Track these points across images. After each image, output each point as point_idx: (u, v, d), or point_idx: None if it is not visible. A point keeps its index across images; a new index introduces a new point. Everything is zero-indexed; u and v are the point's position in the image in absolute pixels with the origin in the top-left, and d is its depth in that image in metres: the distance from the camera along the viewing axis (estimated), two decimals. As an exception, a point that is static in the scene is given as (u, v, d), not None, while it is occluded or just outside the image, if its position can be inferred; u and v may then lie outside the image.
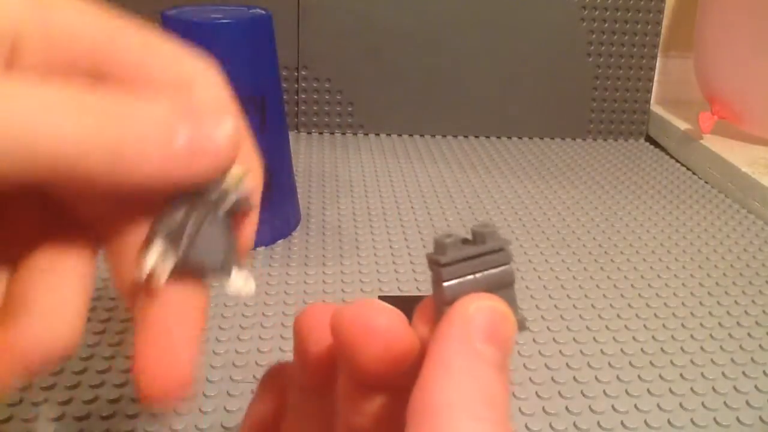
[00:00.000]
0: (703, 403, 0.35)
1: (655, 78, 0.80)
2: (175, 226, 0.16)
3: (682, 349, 0.39)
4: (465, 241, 0.16)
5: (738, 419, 0.34)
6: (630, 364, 0.38)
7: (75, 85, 0.14)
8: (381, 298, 0.40)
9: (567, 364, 0.37)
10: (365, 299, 0.16)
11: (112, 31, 0.16)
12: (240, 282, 0.17)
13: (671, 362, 0.38)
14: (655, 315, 0.42)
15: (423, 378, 0.14)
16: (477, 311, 0.15)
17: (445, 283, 0.16)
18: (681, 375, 0.37)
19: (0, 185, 0.13)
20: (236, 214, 0.17)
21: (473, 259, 0.16)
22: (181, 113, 0.15)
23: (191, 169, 0.15)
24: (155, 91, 0.16)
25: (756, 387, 0.36)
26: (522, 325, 0.16)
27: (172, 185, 0.15)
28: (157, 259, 0.16)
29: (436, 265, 0.16)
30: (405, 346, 0.16)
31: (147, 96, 0.15)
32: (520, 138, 0.78)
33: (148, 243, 0.16)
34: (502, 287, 0.16)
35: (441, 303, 0.16)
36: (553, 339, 0.39)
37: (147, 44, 0.16)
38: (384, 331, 0.16)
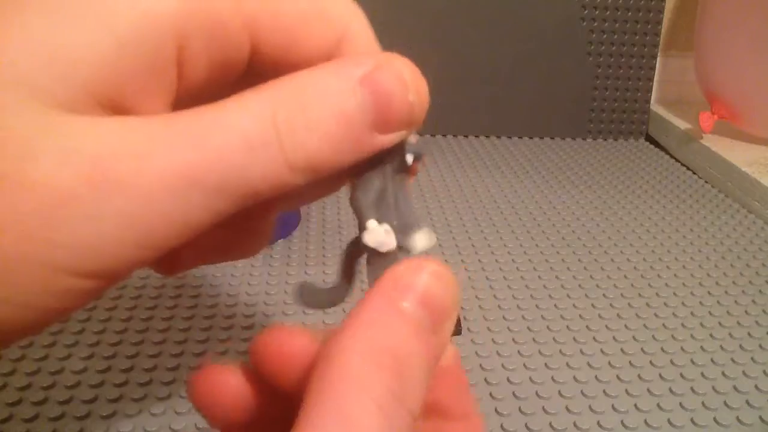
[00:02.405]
0: (703, 403, 0.35)
1: (655, 78, 0.80)
2: (377, 197, 0.16)
3: (682, 349, 0.39)
4: None
5: (738, 419, 0.34)
6: (630, 364, 0.38)
7: (263, 100, 0.13)
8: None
9: (567, 364, 0.37)
10: (277, 327, 0.16)
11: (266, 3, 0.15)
12: (427, 238, 0.16)
13: (671, 362, 0.38)
14: (655, 315, 0.42)
15: (336, 331, 0.13)
16: (409, 270, 0.14)
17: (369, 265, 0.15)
18: (681, 375, 0.37)
19: (210, 220, 0.13)
20: (409, 167, 0.17)
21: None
22: (361, 91, 0.14)
23: (384, 139, 0.15)
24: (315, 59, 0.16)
25: (756, 387, 0.36)
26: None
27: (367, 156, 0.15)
28: (383, 236, 0.15)
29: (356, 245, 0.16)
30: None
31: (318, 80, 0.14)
32: (520, 138, 0.78)
33: (361, 223, 0.16)
34: None
35: None
36: (553, 339, 0.39)
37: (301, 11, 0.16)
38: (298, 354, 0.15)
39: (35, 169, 0.11)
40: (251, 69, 0.16)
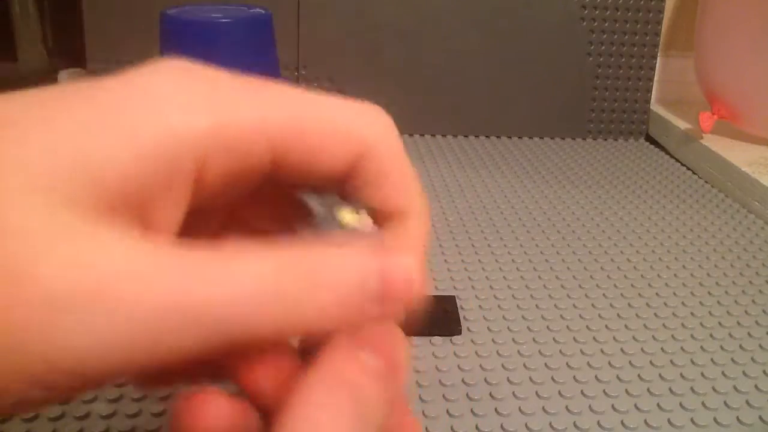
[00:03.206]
0: (703, 403, 0.35)
1: (655, 78, 0.80)
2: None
3: (682, 349, 0.39)
4: None
5: (738, 419, 0.34)
6: (630, 364, 0.38)
7: (274, 257, 0.14)
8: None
9: (567, 364, 0.37)
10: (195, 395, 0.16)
11: (296, 120, 0.16)
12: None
13: (671, 362, 0.38)
14: (655, 315, 0.42)
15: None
16: (368, 327, 0.15)
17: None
18: (681, 375, 0.37)
19: (172, 358, 0.13)
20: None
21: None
22: (371, 279, 0.15)
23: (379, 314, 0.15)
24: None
25: (756, 387, 0.36)
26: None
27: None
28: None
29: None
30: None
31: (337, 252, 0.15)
32: (520, 138, 0.78)
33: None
34: None
35: None
36: (553, 339, 0.39)
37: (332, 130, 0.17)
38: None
39: (44, 268, 0.12)
40: (272, 179, 0.17)
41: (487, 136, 0.78)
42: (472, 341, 0.39)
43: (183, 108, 0.14)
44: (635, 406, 0.34)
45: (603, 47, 0.77)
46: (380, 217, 0.18)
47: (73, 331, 0.12)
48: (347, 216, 0.17)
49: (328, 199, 0.17)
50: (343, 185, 0.18)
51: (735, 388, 0.36)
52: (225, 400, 0.15)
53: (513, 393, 0.34)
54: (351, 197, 0.18)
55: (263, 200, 0.19)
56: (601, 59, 0.77)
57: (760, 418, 0.34)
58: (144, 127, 0.14)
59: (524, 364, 0.37)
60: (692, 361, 0.38)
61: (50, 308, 0.12)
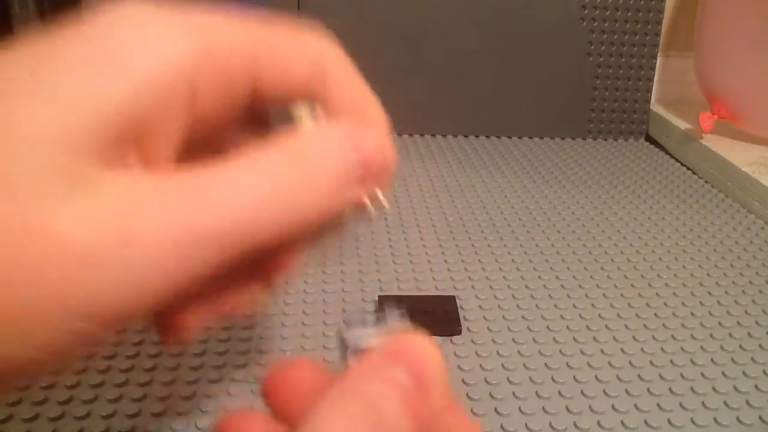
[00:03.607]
0: (703, 403, 0.35)
1: (655, 78, 0.80)
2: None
3: (682, 349, 0.39)
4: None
5: (738, 419, 0.34)
6: (630, 364, 0.38)
7: (265, 163, 0.15)
8: (381, 298, 0.40)
9: (567, 364, 0.37)
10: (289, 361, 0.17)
11: (269, 41, 0.17)
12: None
13: (671, 362, 0.38)
14: (655, 315, 0.42)
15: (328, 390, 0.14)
16: (396, 339, 0.15)
17: (349, 354, 0.16)
18: (681, 375, 0.37)
19: (216, 267, 0.14)
20: None
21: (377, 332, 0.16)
22: (350, 158, 0.16)
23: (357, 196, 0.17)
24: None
25: (756, 387, 0.36)
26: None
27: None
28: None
29: (342, 343, 0.16)
30: None
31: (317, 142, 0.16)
32: (520, 138, 0.78)
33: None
34: None
35: None
36: (553, 339, 0.39)
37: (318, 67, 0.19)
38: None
39: (60, 223, 0.12)
40: (251, 101, 0.18)
41: (487, 136, 0.78)
42: (472, 341, 0.39)
43: (166, 35, 0.15)
44: (635, 406, 0.34)
45: (603, 47, 0.77)
46: (346, 115, 0.20)
47: (95, 276, 0.13)
48: (302, 110, 0.19)
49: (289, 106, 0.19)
50: (308, 96, 0.19)
51: (735, 388, 0.36)
52: (260, 420, 0.16)
53: (513, 393, 0.34)
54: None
55: (241, 122, 0.20)
56: (601, 59, 0.77)
57: (760, 418, 0.34)
58: (133, 60, 0.14)
59: (524, 364, 0.37)
60: (692, 361, 0.38)
61: (78, 264, 0.12)
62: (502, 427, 0.32)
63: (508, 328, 0.40)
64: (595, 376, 0.36)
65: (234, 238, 0.14)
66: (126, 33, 0.14)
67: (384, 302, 0.17)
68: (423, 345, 0.15)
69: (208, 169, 0.14)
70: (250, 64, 0.17)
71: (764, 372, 0.37)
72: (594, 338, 0.40)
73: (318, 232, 0.18)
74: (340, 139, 0.16)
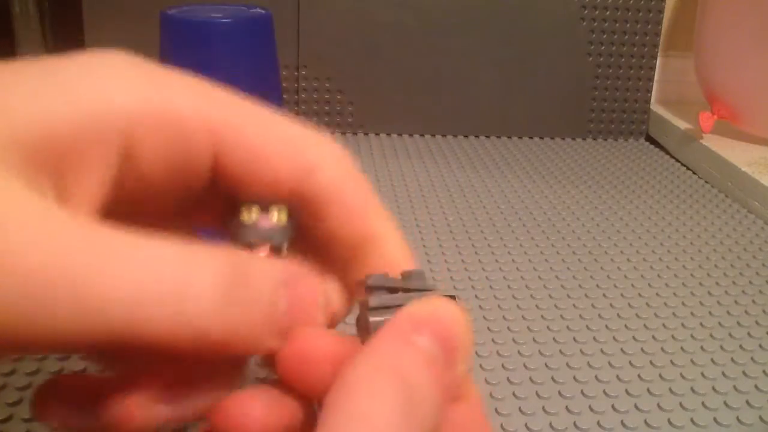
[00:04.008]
0: (703, 403, 0.35)
1: (655, 78, 0.80)
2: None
3: (682, 349, 0.39)
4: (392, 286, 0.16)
5: (738, 419, 0.34)
6: (630, 364, 0.38)
7: (224, 257, 0.14)
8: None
9: (567, 364, 0.37)
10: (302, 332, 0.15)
11: (233, 113, 0.16)
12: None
13: (671, 362, 0.38)
14: (655, 315, 0.42)
15: (348, 362, 0.13)
16: (421, 304, 0.14)
17: (371, 319, 0.15)
18: (681, 375, 0.37)
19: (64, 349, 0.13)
20: None
21: (400, 296, 0.15)
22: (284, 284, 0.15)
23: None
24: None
25: (756, 387, 0.36)
26: None
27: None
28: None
29: (364, 308, 0.15)
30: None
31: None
32: (520, 138, 0.78)
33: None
34: None
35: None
36: (553, 339, 0.39)
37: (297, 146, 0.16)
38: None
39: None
40: (215, 183, 0.16)
41: (487, 136, 0.78)
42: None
43: (121, 81, 0.14)
44: (635, 406, 0.34)
45: (603, 47, 0.77)
46: (346, 248, 0.17)
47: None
48: (252, 213, 0.16)
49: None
50: (295, 208, 0.17)
51: (735, 388, 0.36)
52: (261, 403, 0.15)
53: (513, 393, 0.34)
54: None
55: (209, 211, 0.18)
56: (601, 59, 0.77)
57: (760, 418, 0.34)
58: (74, 92, 0.14)
59: (524, 364, 0.37)
60: (692, 361, 0.38)
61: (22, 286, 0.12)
62: (502, 427, 0.32)
63: (508, 328, 0.40)
64: (595, 376, 0.36)
65: (127, 321, 0.13)
66: (85, 71, 0.14)
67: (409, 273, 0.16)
68: (451, 310, 0.14)
69: (121, 234, 0.13)
70: (210, 137, 0.15)
71: (764, 372, 0.37)
72: (594, 338, 0.40)
73: (219, 364, 0.16)
74: (279, 280, 0.15)
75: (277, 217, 0.16)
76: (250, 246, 0.16)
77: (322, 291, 0.16)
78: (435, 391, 0.13)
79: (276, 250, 0.16)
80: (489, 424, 0.16)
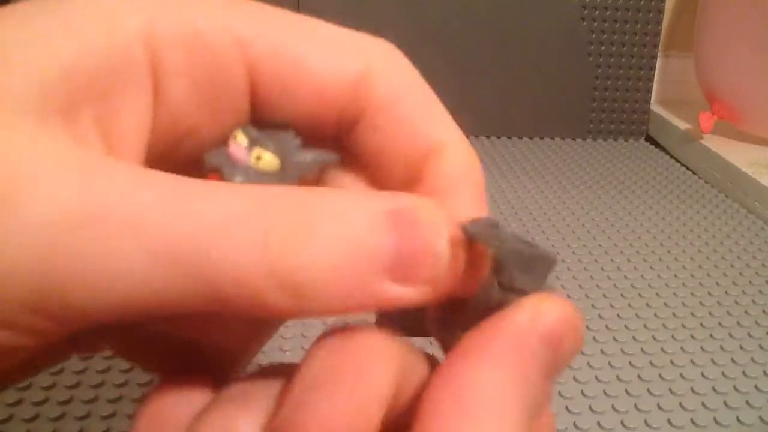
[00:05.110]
0: (703, 403, 0.35)
1: (655, 78, 0.80)
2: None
3: (682, 349, 0.39)
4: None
5: (738, 419, 0.34)
6: (630, 364, 0.38)
7: (261, 192, 0.11)
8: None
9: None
10: None
11: (259, 21, 0.13)
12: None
13: (671, 362, 0.38)
14: (655, 315, 0.42)
15: (456, 354, 0.12)
16: (549, 308, 0.12)
17: (498, 297, 0.13)
18: (681, 375, 0.37)
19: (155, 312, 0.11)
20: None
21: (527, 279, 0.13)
22: (383, 224, 0.11)
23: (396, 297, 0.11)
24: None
25: (756, 387, 0.36)
26: None
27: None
28: None
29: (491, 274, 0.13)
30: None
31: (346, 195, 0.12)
32: (520, 138, 0.78)
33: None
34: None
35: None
36: (553, 339, 0.39)
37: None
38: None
39: (32, 195, 0.10)
40: (256, 116, 0.14)
41: (487, 136, 0.78)
42: (472, 341, 0.38)
43: (128, 7, 0.12)
44: (635, 406, 0.34)
45: (603, 47, 0.77)
46: (405, 165, 0.14)
47: (53, 262, 0.10)
48: (264, 154, 0.13)
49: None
50: (343, 131, 0.14)
51: (735, 388, 0.36)
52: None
53: (513, 393, 0.34)
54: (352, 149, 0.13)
55: None
56: (601, 59, 0.77)
57: (760, 418, 0.34)
58: (89, 25, 0.12)
59: (524, 364, 0.37)
60: (692, 361, 0.38)
61: (42, 240, 0.10)
62: (502, 427, 0.32)
63: (508, 328, 0.40)
64: (595, 376, 0.36)
65: (197, 264, 0.10)
66: (84, 4, 0.12)
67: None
68: (565, 311, 0.12)
69: (182, 178, 0.11)
70: (243, 55, 0.13)
71: (764, 372, 0.37)
72: (594, 338, 0.40)
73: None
74: (374, 204, 0.11)
75: (254, 159, 0.13)
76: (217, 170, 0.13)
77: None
78: (546, 400, 0.12)
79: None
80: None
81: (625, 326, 0.41)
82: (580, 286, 0.45)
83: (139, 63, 0.12)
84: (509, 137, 0.78)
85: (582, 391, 0.35)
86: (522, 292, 0.12)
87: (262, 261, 0.11)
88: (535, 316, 0.12)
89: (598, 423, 0.33)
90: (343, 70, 0.13)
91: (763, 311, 0.44)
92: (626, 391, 0.35)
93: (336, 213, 0.11)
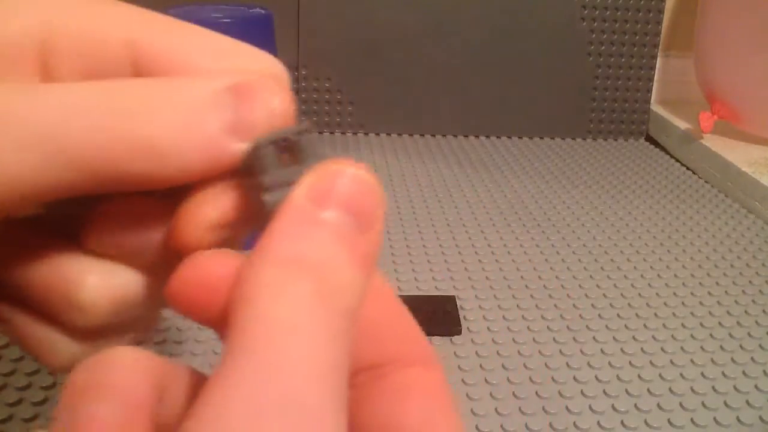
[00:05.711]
0: (703, 403, 0.35)
1: (655, 78, 0.80)
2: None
3: (682, 349, 0.39)
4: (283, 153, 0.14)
5: (738, 419, 0.34)
6: (630, 364, 0.38)
7: (104, 82, 0.13)
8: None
9: (567, 364, 0.37)
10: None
11: (153, 26, 0.15)
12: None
13: (671, 362, 0.38)
14: (655, 315, 0.42)
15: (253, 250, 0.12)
16: (320, 172, 0.12)
17: (265, 198, 0.13)
18: (681, 375, 0.37)
19: (43, 195, 0.13)
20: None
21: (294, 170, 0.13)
22: (223, 92, 0.13)
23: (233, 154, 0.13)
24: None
25: (756, 387, 0.36)
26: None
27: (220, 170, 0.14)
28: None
29: (254, 187, 0.13)
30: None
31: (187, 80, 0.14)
32: (520, 138, 0.78)
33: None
34: None
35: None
36: (553, 339, 0.39)
37: (199, 44, 0.15)
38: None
39: None
40: None
41: (487, 136, 0.78)
42: (472, 341, 0.39)
43: (29, 7, 0.14)
44: (635, 406, 0.34)
45: (603, 47, 0.77)
46: None
47: None
48: None
49: None
50: None
51: (735, 388, 0.36)
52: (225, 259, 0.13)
53: (513, 393, 0.34)
54: None
55: None
56: (601, 59, 0.77)
57: (760, 418, 0.34)
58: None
59: (524, 364, 0.37)
60: (692, 361, 0.38)
61: None
62: (502, 427, 0.32)
63: (508, 328, 0.40)
64: (595, 376, 0.36)
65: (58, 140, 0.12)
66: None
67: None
68: (353, 171, 0.12)
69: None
70: (129, 52, 0.15)
71: (764, 372, 0.37)
72: (594, 338, 0.40)
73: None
74: (213, 82, 0.14)
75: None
76: None
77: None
78: (352, 265, 0.12)
79: None
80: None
81: (625, 326, 0.41)
82: (580, 286, 0.45)
83: (27, 54, 0.14)
84: (509, 137, 0.78)
85: (582, 391, 0.35)
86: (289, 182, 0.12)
87: (122, 131, 0.13)
88: (307, 192, 0.12)
89: (598, 423, 0.33)
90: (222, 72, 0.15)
91: (763, 311, 0.44)
92: (626, 391, 0.35)
93: (185, 87, 0.13)
